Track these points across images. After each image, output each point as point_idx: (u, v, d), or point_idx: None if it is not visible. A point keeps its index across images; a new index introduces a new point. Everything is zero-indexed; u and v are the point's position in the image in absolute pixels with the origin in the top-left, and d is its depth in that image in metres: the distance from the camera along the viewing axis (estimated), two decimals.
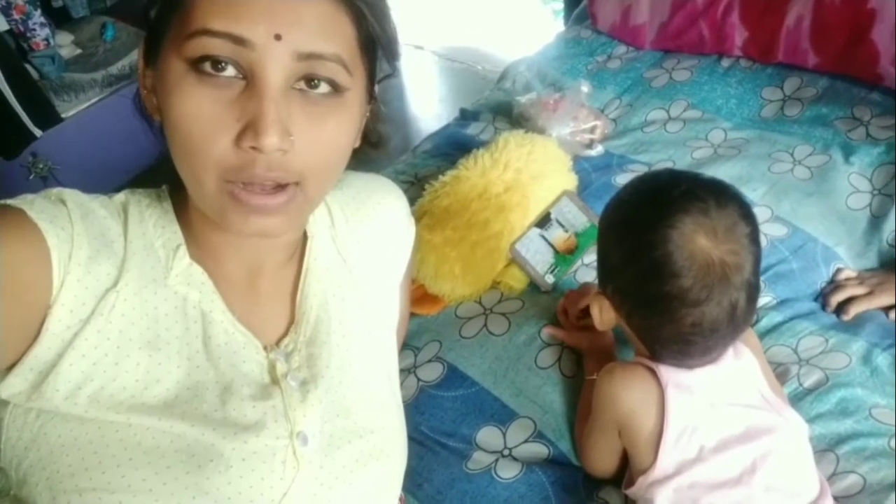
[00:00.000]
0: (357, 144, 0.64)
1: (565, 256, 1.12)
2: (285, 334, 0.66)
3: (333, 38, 0.53)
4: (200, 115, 0.51)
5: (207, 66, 0.51)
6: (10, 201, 0.55)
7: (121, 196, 0.64)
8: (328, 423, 0.64)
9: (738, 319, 0.73)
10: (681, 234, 0.70)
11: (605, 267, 0.81)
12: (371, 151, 0.69)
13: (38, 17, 2.24)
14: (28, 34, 2.24)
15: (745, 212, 0.73)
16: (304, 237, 0.70)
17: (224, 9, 0.50)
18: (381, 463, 0.67)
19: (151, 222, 0.62)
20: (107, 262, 0.57)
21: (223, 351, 0.61)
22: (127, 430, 0.55)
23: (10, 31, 2.20)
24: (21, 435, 0.55)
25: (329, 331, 0.68)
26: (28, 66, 2.22)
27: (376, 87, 0.66)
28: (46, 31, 2.28)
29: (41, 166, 2.27)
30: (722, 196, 0.73)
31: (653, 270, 0.71)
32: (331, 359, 0.67)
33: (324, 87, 0.54)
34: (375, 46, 0.60)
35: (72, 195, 0.59)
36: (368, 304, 0.74)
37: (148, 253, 0.61)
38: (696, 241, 0.70)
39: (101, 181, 0.65)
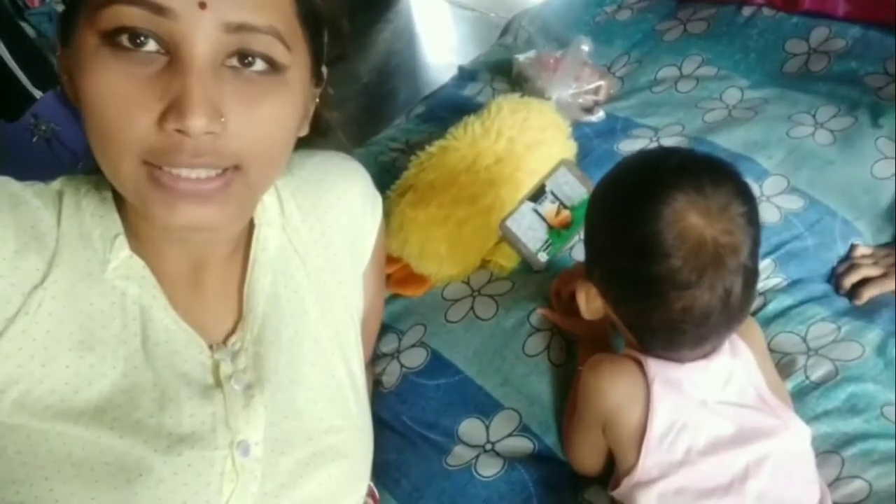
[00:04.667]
0: (305, 132, 0.60)
1: (560, 232, 1.05)
2: (233, 332, 0.62)
3: (266, 8, 0.48)
4: (116, 93, 0.47)
5: (124, 40, 0.46)
6: None
7: (56, 184, 0.60)
8: (275, 427, 0.60)
9: (733, 308, 0.67)
10: (671, 210, 0.65)
11: (591, 250, 0.76)
12: (319, 140, 0.64)
13: None
14: None
15: (742, 190, 0.68)
16: (251, 226, 0.65)
17: None
18: (337, 464, 0.64)
19: (89, 212, 0.58)
20: (35, 257, 0.54)
21: (163, 350, 0.58)
22: (56, 440, 0.53)
23: None
24: None
25: (279, 327, 0.64)
26: (24, 25, 2.17)
27: (324, 70, 0.61)
28: None
29: (43, 128, 2.24)
30: (717, 172, 0.67)
31: (640, 250, 0.66)
32: (280, 356, 0.63)
33: (259, 65, 0.49)
34: (319, 22, 0.55)
35: (3, 184, 0.55)
36: (324, 295, 0.69)
37: (84, 245, 0.57)
38: (688, 218, 0.65)
39: None
